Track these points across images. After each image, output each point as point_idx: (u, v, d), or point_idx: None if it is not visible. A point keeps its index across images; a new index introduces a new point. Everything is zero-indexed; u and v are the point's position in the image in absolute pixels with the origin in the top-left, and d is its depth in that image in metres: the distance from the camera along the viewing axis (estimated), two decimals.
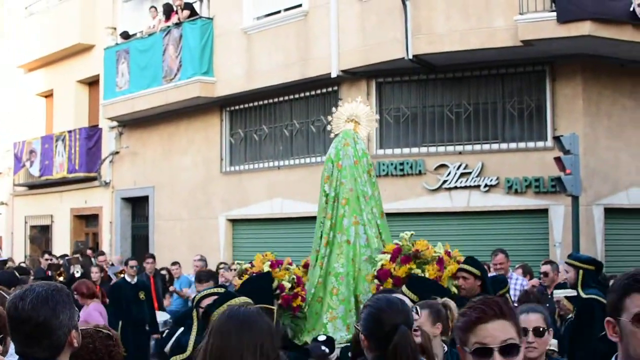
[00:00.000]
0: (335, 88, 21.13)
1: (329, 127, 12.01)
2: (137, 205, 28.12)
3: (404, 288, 8.22)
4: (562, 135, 16.78)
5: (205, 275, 12.11)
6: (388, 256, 10.19)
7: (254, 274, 10.24)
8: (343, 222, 10.93)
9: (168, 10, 24.75)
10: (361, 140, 11.52)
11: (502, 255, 14.26)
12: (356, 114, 11.68)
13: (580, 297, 10.44)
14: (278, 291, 9.92)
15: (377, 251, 10.70)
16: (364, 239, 10.92)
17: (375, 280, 10.12)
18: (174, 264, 20.90)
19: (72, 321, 4.30)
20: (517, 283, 14.34)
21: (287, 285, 10.16)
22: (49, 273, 19.88)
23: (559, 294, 11.33)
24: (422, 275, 9.83)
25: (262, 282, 9.73)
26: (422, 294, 7.68)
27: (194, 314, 7.14)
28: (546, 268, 14.05)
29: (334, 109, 12.08)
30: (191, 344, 6.82)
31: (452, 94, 19.75)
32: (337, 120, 11.72)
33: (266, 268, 10.25)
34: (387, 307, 4.79)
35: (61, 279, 18.96)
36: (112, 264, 22.29)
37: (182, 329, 8.40)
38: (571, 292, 10.52)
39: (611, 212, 18.53)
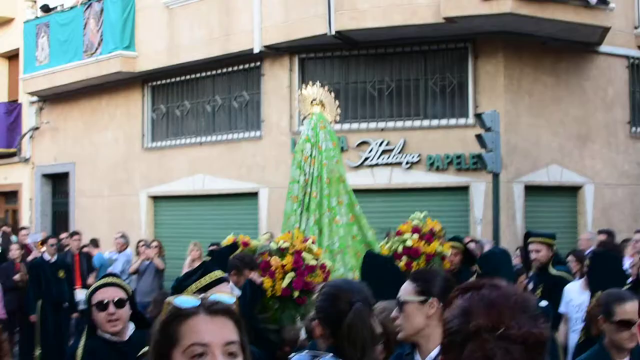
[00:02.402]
0: (258, 64, 20.99)
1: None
2: (58, 182, 27.71)
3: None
4: (483, 113, 16.79)
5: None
6: (416, 235, 10.74)
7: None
8: (331, 202, 11.34)
9: None
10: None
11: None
12: (321, 97, 11.99)
13: (551, 274, 10.62)
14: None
15: (366, 230, 11.48)
16: (348, 217, 11.44)
17: (404, 257, 10.60)
18: (92, 241, 20.69)
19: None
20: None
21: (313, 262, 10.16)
22: None
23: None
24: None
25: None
26: None
27: None
28: (470, 246, 14.04)
29: (298, 91, 12.45)
30: None
31: (375, 70, 19.73)
32: (304, 102, 12.08)
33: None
34: (344, 285, 4.60)
35: None
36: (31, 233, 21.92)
37: None
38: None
39: (531, 190, 18.69)
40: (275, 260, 9.93)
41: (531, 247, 10.58)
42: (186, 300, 2.68)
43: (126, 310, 5.78)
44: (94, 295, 5.77)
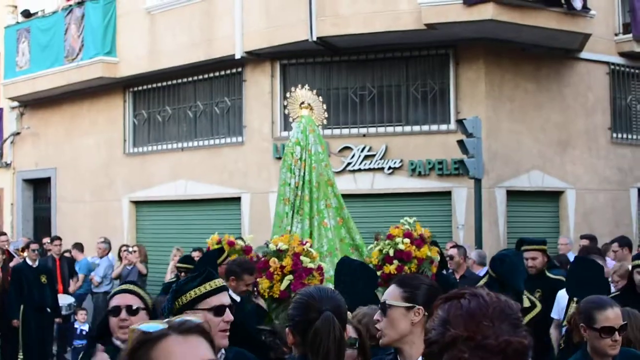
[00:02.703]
0: (240, 69, 20.99)
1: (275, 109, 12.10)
2: (39, 187, 27.61)
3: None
4: (464, 119, 16.89)
5: None
6: (407, 239, 10.93)
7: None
8: (320, 205, 11.58)
9: None
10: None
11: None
12: (309, 101, 12.14)
13: (549, 278, 10.68)
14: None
15: (355, 233, 11.77)
16: (336, 220, 11.70)
17: (396, 261, 10.78)
18: (75, 246, 20.60)
19: None
20: None
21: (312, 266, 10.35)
22: None
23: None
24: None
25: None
26: None
27: None
28: (453, 252, 14.08)
29: (288, 93, 12.54)
30: None
31: (357, 76, 19.77)
32: (292, 105, 12.22)
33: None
34: (316, 293, 4.45)
35: None
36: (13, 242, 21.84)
37: None
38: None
39: (513, 195, 18.77)
40: (274, 262, 10.04)
41: (527, 255, 10.50)
42: (153, 325, 2.50)
43: (140, 319, 5.46)
44: (111, 300, 5.67)
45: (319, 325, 4.21)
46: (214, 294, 4.83)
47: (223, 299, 4.85)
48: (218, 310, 4.75)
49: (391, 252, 10.83)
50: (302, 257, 10.13)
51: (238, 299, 9.02)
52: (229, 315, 4.75)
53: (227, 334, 4.74)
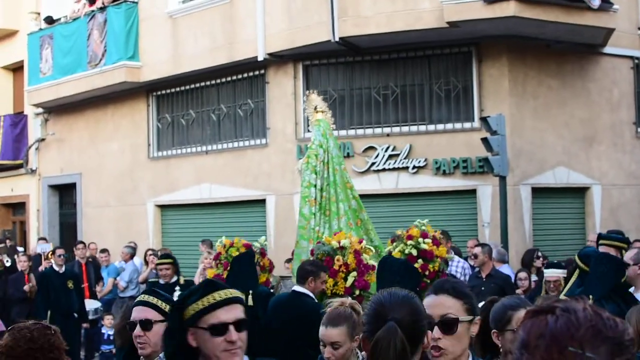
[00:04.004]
0: (262, 71, 21.01)
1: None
2: (65, 193, 27.76)
3: None
4: (488, 116, 16.83)
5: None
6: (428, 239, 11.12)
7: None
8: (345, 206, 12.02)
9: None
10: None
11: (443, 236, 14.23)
12: (320, 105, 12.41)
13: None
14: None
15: (373, 234, 12.15)
16: (355, 222, 12.03)
17: (420, 260, 10.87)
18: (102, 251, 20.68)
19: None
20: (459, 266, 14.35)
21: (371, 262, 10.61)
22: None
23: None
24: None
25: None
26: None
27: None
28: (477, 250, 13.97)
29: (304, 97, 12.71)
30: None
31: (379, 76, 19.74)
32: (310, 105, 12.45)
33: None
34: (386, 300, 3.99)
35: None
36: (42, 242, 21.98)
37: None
38: None
39: (538, 192, 18.68)
40: (338, 260, 10.12)
41: (600, 249, 10.35)
42: None
43: (154, 333, 5.29)
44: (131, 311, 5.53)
45: (380, 336, 3.84)
46: (214, 308, 3.97)
47: (225, 314, 3.97)
48: (216, 330, 3.92)
49: (414, 252, 10.85)
50: (362, 255, 10.31)
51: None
52: (232, 335, 3.92)
53: (237, 352, 3.96)
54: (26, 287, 17.39)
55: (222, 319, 3.92)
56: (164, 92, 23.73)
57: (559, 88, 19.03)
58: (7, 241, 23.20)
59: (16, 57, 28.82)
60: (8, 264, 18.60)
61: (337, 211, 11.77)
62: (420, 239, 10.98)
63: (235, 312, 4.00)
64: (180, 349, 3.97)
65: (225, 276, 11.72)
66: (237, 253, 11.95)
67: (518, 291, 12.86)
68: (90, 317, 17.89)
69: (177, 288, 13.52)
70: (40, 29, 26.55)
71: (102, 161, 25.25)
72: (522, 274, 13.70)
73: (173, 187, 23.09)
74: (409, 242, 11.05)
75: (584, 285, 9.22)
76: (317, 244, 11.05)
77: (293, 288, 9.69)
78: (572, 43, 18.73)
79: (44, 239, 23.27)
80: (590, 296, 8.32)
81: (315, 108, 12.55)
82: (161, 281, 14.47)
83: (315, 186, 11.72)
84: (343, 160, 12.45)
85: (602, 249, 10.30)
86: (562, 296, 9.74)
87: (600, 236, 10.86)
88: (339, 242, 10.49)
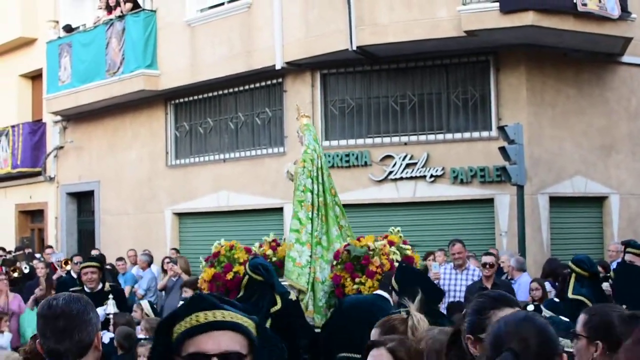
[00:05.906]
0: (280, 80, 21.05)
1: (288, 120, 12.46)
2: (83, 200, 27.85)
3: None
4: (506, 125, 16.83)
5: None
6: (407, 245, 11.64)
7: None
8: (336, 211, 12.15)
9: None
10: None
11: (460, 245, 14.15)
12: (304, 112, 12.58)
13: None
14: None
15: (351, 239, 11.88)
16: (346, 227, 12.26)
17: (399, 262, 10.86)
18: (119, 259, 20.71)
19: (98, 323, 4.45)
20: (475, 274, 14.30)
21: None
22: (3, 269, 19.55)
23: None
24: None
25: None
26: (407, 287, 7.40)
27: None
28: (487, 259, 13.80)
29: (298, 103, 12.83)
30: None
31: (397, 84, 19.74)
32: (297, 112, 12.73)
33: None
34: (511, 323, 3.37)
35: (15, 274, 18.69)
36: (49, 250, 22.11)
37: None
38: None
39: (556, 201, 18.65)
40: (375, 261, 10.22)
41: (626, 257, 10.25)
42: None
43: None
44: None
45: None
46: (195, 333, 3.00)
47: (208, 343, 2.98)
48: None
49: (397, 257, 11.19)
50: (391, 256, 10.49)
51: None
52: None
53: None
54: (37, 291, 17.43)
55: (202, 347, 2.97)
56: (182, 100, 23.79)
57: (577, 97, 19.00)
58: (26, 249, 23.27)
59: (35, 65, 28.92)
60: (26, 271, 18.66)
61: (336, 217, 11.93)
62: (402, 246, 11.44)
63: (223, 341, 2.99)
64: None
65: (230, 277, 11.76)
66: (240, 255, 12.00)
67: (527, 300, 12.76)
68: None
69: (111, 296, 11.93)
70: (59, 37, 26.65)
71: (121, 169, 25.33)
72: (534, 284, 13.61)
73: (191, 195, 23.13)
74: (392, 248, 11.22)
75: (616, 296, 9.17)
76: (347, 246, 11.13)
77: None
78: (590, 52, 18.71)
79: (50, 247, 23.30)
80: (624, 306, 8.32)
81: (299, 111, 12.70)
82: (87, 289, 12.24)
83: (311, 191, 11.77)
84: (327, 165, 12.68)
85: (627, 257, 10.22)
86: (570, 296, 9.77)
87: (628, 244, 10.75)
88: (370, 244, 10.68)
